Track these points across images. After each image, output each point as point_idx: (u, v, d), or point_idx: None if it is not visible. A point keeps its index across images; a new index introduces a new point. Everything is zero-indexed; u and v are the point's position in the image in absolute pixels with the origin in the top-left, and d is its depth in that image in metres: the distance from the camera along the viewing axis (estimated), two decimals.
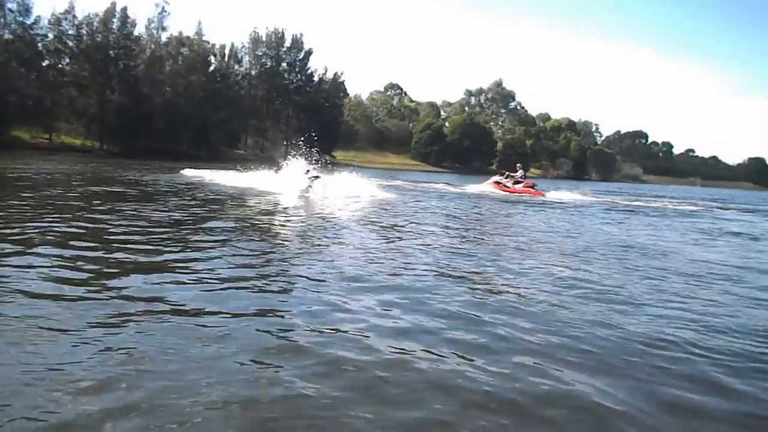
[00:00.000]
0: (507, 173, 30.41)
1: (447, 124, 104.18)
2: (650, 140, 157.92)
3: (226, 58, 67.96)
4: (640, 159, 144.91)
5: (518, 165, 31.70)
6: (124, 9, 57.31)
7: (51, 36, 55.03)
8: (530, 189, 28.77)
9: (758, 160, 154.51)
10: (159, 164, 37.15)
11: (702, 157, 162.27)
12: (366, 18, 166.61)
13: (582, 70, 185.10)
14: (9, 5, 51.05)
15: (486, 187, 29.67)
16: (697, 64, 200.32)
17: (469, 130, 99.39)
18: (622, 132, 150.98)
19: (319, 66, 78.94)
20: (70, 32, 55.84)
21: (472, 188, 29.49)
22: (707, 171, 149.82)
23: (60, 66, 56.27)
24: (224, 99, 62.30)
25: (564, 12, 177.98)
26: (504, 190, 28.79)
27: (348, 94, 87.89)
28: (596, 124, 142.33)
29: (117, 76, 56.95)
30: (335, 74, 79.01)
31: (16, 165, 24.66)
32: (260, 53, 72.10)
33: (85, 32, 56.19)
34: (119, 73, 57.08)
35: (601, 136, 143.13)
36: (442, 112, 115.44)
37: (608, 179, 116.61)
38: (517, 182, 29.35)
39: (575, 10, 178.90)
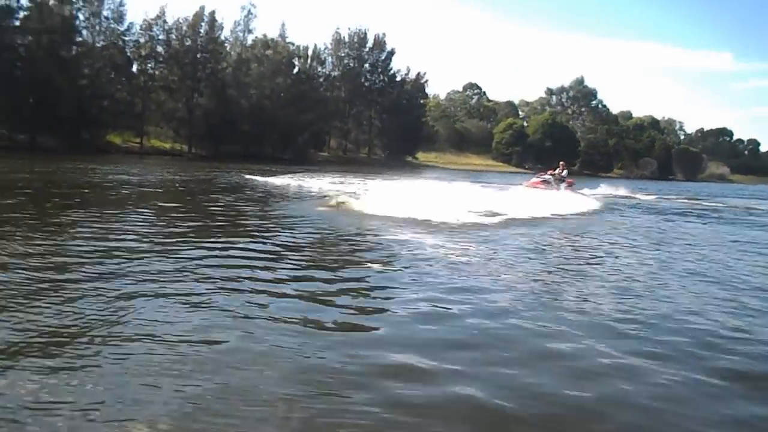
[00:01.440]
0: (551, 171, 29.20)
1: (528, 124, 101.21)
2: (735, 138, 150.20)
3: (309, 60, 67.32)
4: (725, 158, 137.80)
5: (562, 163, 30.02)
6: (212, 13, 57.74)
7: (142, 41, 55.47)
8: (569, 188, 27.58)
9: None
10: (271, 167, 36.78)
11: None
12: (442, 17, 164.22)
13: (663, 68, 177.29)
14: (104, 13, 51.55)
15: (530, 186, 27.73)
16: None
17: (551, 130, 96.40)
18: (706, 130, 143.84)
19: (400, 65, 77.10)
20: (160, 37, 56.44)
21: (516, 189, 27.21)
22: None
23: (150, 71, 56.72)
24: (309, 101, 61.70)
25: (641, 15, 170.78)
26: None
27: (427, 95, 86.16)
28: (680, 122, 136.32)
29: (204, 80, 57.28)
30: (418, 74, 77.61)
31: (134, 170, 24.22)
32: (342, 54, 71.31)
33: (174, 37, 56.73)
34: (207, 76, 57.37)
35: (684, 135, 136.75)
36: (520, 112, 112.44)
37: (694, 179, 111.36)
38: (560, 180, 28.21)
39: (655, 15, 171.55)
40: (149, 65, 56.92)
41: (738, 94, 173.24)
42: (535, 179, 29.21)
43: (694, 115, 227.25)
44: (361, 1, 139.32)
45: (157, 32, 56.22)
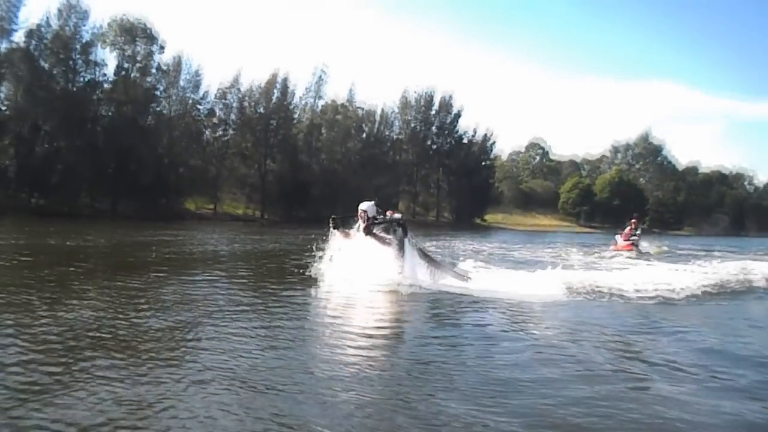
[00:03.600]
0: (629, 230, 27.21)
1: (594, 182, 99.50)
2: None
3: (377, 124, 67.53)
4: None
5: (634, 221, 27.99)
6: (285, 79, 58.42)
7: (217, 109, 56.64)
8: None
9: None
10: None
11: None
12: (504, 75, 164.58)
13: (729, 118, 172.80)
14: (181, 83, 52.82)
15: (621, 249, 25.72)
16: None
17: (618, 188, 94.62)
18: None
19: (467, 123, 76.46)
20: (234, 105, 57.27)
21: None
22: None
23: (224, 137, 57.56)
24: (379, 164, 61.63)
25: (705, 66, 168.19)
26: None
27: (494, 156, 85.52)
28: (749, 176, 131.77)
29: (277, 146, 57.76)
30: (484, 136, 77.12)
31: (226, 235, 23.84)
32: (410, 117, 71.31)
33: (247, 104, 57.53)
34: (278, 142, 57.86)
35: (754, 188, 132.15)
36: (584, 170, 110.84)
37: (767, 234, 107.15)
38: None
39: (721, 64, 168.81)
40: (223, 132, 57.79)
41: None
42: (621, 242, 27.34)
43: (763, 167, 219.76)
44: (427, 60, 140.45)
45: (231, 99, 57.26)
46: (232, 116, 57.80)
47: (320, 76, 61.96)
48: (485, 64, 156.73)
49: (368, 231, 11.54)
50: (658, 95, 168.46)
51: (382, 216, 12.19)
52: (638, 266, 17.00)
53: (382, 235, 11.80)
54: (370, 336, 7.10)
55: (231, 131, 58.15)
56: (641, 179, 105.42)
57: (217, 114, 57.14)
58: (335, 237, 11.88)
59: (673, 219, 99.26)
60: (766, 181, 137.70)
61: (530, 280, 12.25)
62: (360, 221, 11.74)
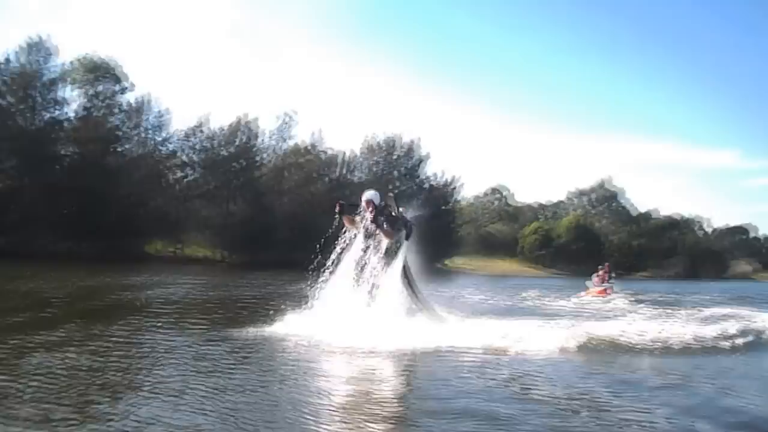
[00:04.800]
0: (603, 274, 27.98)
1: (554, 227, 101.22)
2: (753, 236, 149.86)
3: (342, 167, 67.69)
4: (747, 255, 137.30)
5: (607, 264, 28.89)
6: (250, 122, 58.56)
7: (181, 151, 56.22)
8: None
9: None
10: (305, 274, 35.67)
11: None
12: (466, 124, 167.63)
13: (680, 166, 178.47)
14: (146, 123, 52.45)
15: (596, 295, 26.27)
16: None
17: (578, 232, 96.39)
18: (726, 227, 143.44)
19: (431, 170, 76.85)
20: (201, 145, 56.95)
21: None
22: None
23: (187, 179, 57.05)
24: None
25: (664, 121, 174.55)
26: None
27: (458, 201, 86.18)
28: (700, 221, 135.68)
29: (241, 188, 57.36)
30: (446, 180, 77.83)
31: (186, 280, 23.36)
32: (373, 161, 71.63)
33: (212, 145, 57.20)
34: (243, 184, 57.46)
35: (706, 233, 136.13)
36: (543, 215, 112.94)
37: (719, 278, 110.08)
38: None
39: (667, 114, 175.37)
40: (187, 173, 57.31)
41: (752, 191, 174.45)
42: (598, 287, 27.76)
43: (714, 213, 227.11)
44: (391, 109, 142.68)
45: (196, 141, 56.96)
46: (196, 158, 57.46)
47: (286, 120, 62.17)
48: (448, 115, 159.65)
49: (376, 221, 10.87)
50: (614, 145, 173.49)
51: (393, 208, 11.47)
52: (632, 315, 17.16)
53: (388, 229, 11.10)
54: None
55: (195, 173, 57.74)
56: (598, 224, 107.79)
57: (182, 155, 56.85)
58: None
59: (629, 263, 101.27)
60: (719, 227, 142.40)
61: (529, 331, 11.50)
62: (366, 213, 11.08)
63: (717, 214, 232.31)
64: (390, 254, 11.17)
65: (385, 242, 11.14)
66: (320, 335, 9.91)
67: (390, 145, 72.52)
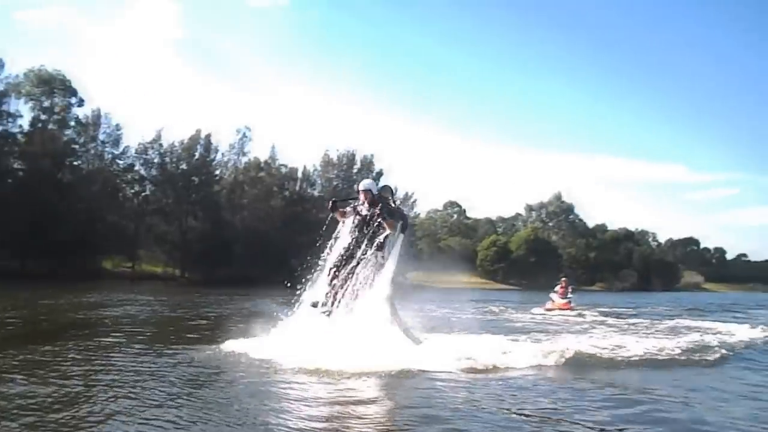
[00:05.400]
0: (562, 288, 28.56)
1: (510, 240, 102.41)
2: (702, 246, 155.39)
3: (300, 182, 67.58)
4: (696, 266, 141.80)
5: (564, 279, 29.54)
6: (208, 136, 58.03)
7: (137, 165, 55.48)
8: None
9: None
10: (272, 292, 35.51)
11: (756, 262, 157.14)
12: (421, 139, 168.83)
13: (630, 181, 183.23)
14: (101, 137, 51.65)
15: (561, 308, 26.88)
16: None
17: (533, 246, 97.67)
18: (675, 239, 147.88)
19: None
20: (155, 160, 56.20)
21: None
22: (763, 276, 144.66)
23: (144, 194, 56.24)
24: (302, 222, 61.37)
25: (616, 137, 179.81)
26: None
27: (416, 215, 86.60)
28: (653, 233, 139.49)
29: (198, 203, 56.73)
30: (406, 194, 78.17)
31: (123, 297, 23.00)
32: (332, 175, 71.63)
33: (169, 160, 56.56)
34: (201, 199, 56.87)
35: (657, 245, 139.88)
36: (500, 228, 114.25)
37: (671, 288, 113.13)
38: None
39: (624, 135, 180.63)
40: (143, 188, 56.47)
41: (698, 204, 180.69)
42: (560, 301, 28.22)
43: (662, 226, 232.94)
44: (348, 126, 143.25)
45: (153, 155, 56.18)
46: (154, 172, 56.72)
47: (244, 134, 61.86)
48: (405, 131, 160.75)
49: (381, 211, 10.26)
50: (569, 160, 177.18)
51: (390, 199, 11.04)
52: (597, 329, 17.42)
53: (390, 219, 10.56)
54: None
55: (151, 188, 56.95)
56: (554, 236, 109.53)
57: (139, 170, 56.12)
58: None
59: (585, 276, 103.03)
60: (668, 239, 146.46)
61: (507, 347, 11.06)
62: (364, 202, 10.61)
63: (665, 227, 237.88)
64: (385, 247, 10.75)
65: (382, 234, 10.71)
66: (289, 355, 9.63)
67: (350, 160, 72.64)
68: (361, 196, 10.47)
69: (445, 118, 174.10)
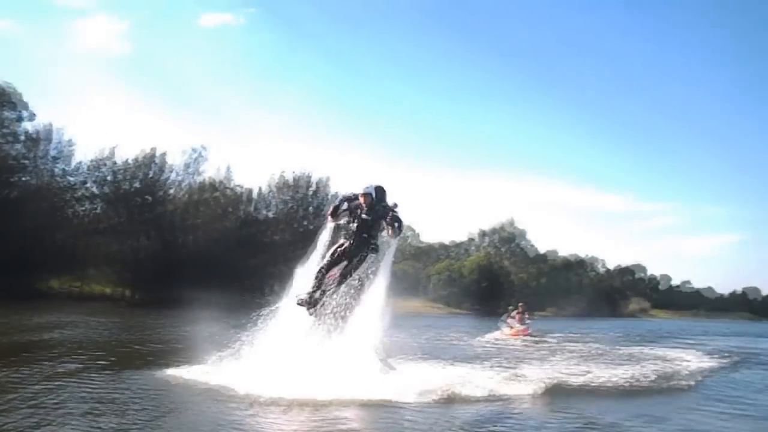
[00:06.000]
0: (518, 314, 29.43)
1: (464, 265, 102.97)
2: (649, 273, 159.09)
3: (254, 203, 67.13)
4: (642, 293, 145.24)
5: (521, 305, 30.54)
6: (163, 155, 57.32)
7: (89, 182, 54.36)
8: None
9: (753, 290, 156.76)
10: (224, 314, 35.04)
11: (701, 289, 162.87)
12: (372, 167, 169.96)
13: (580, 210, 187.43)
14: (51, 153, 50.46)
15: (518, 335, 27.57)
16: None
17: (483, 272, 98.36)
18: (623, 266, 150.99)
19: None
20: (107, 178, 55.15)
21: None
22: (706, 302, 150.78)
23: (94, 212, 55.02)
24: (256, 244, 60.93)
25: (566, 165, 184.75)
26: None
27: None
28: (598, 259, 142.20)
29: (150, 222, 55.75)
30: None
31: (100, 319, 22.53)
32: (286, 197, 71.25)
33: (121, 178, 55.58)
34: (153, 219, 55.91)
35: (606, 272, 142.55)
36: (453, 252, 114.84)
37: (618, 315, 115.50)
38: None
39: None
40: (93, 206, 55.26)
41: (643, 233, 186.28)
42: (519, 326, 28.63)
43: (608, 254, 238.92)
44: (302, 144, 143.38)
45: (105, 173, 55.14)
46: (105, 190, 55.59)
47: (200, 153, 61.15)
48: (354, 156, 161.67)
49: (384, 214, 10.30)
50: (517, 187, 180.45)
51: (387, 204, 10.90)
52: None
53: (392, 223, 10.53)
54: None
55: (103, 205, 55.72)
56: (507, 262, 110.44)
57: (90, 187, 54.95)
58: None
59: (535, 301, 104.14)
60: (617, 265, 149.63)
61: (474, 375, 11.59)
62: (363, 206, 10.64)
63: (611, 255, 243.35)
64: (380, 251, 10.84)
65: (380, 238, 10.89)
66: (245, 381, 9.56)
67: (304, 183, 72.42)
68: (362, 200, 10.73)
69: (396, 144, 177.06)
